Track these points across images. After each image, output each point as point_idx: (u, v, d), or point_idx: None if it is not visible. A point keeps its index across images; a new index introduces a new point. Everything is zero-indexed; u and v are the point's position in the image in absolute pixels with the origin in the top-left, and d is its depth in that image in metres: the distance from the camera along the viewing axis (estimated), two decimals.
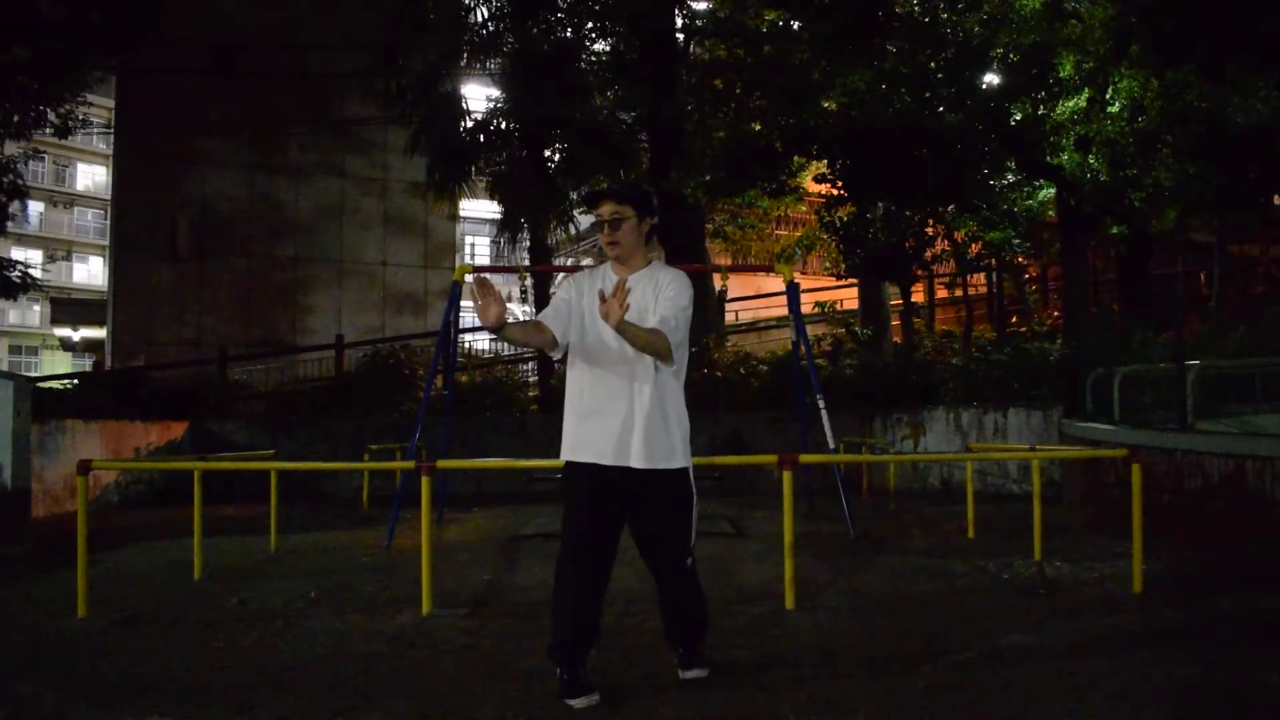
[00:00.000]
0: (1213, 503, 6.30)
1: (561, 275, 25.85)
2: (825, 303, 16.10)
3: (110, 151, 27.02)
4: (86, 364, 28.76)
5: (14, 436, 7.38)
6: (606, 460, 3.33)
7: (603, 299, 3.06)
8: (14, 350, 44.39)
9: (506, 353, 22.51)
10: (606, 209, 3.45)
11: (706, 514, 6.73)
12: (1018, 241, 13.45)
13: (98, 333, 26.18)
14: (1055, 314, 16.11)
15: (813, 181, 14.74)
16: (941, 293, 19.84)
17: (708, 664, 3.60)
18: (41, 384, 13.46)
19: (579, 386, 3.45)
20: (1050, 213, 13.69)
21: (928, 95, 11.84)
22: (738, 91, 13.78)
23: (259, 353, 19.27)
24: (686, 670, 3.56)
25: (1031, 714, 3.21)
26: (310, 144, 21.42)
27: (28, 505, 7.66)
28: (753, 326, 20.09)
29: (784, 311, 12.88)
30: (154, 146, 19.95)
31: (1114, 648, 4.00)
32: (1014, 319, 16.17)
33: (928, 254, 13.92)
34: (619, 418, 3.34)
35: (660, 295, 3.39)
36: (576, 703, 3.29)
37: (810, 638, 4.24)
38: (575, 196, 15.75)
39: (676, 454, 3.38)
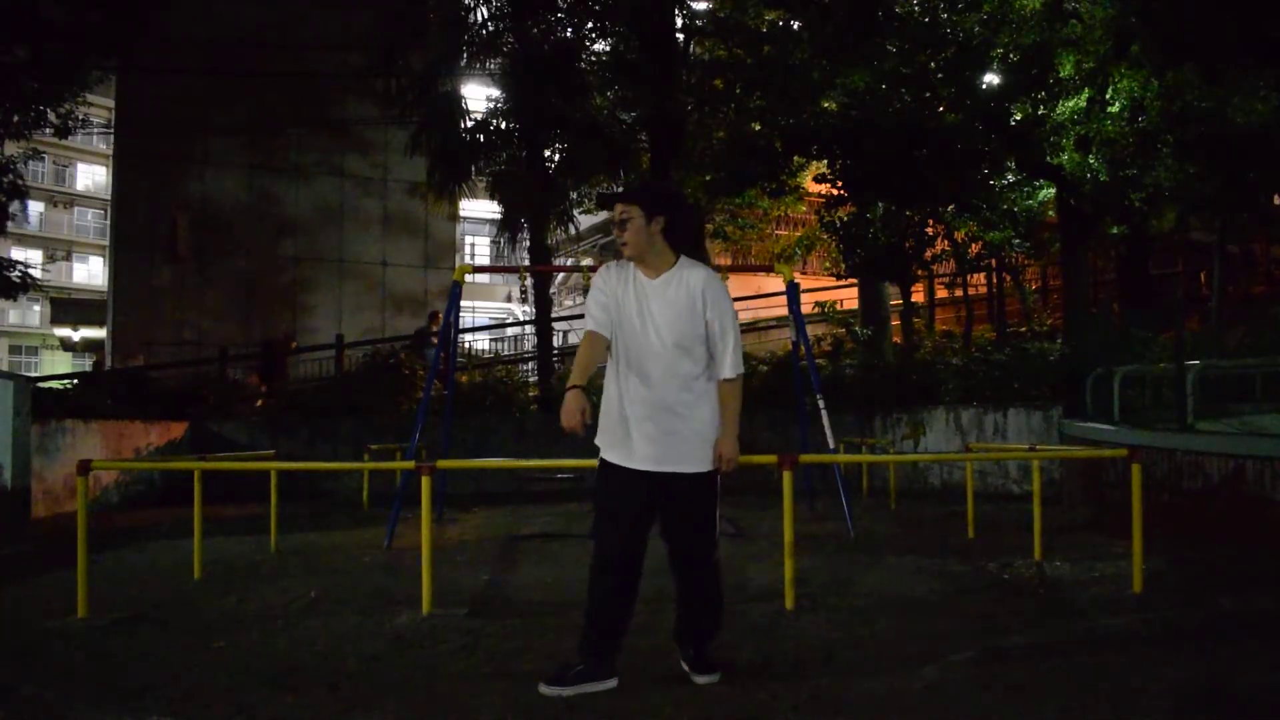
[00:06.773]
0: (1213, 503, 6.30)
1: (561, 276, 25.97)
2: (825, 303, 16.06)
3: (110, 151, 27.02)
4: (86, 364, 28.76)
5: (14, 436, 7.38)
6: (648, 465, 3.44)
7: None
8: (14, 350, 44.36)
9: (506, 353, 22.53)
10: (615, 210, 3.62)
11: None
12: (1018, 241, 13.45)
13: (98, 333, 26.21)
14: (1056, 314, 16.10)
15: (813, 181, 14.73)
16: (941, 293, 19.82)
17: (719, 668, 3.58)
18: (41, 384, 13.45)
19: (620, 389, 3.52)
20: (1050, 213, 13.68)
21: (928, 95, 11.84)
22: (738, 91, 13.77)
23: (259, 353, 19.24)
24: (700, 675, 3.54)
25: (1031, 714, 3.21)
26: (310, 144, 21.41)
27: (28, 505, 7.67)
28: (752, 326, 20.05)
29: (784, 311, 12.87)
30: (154, 146, 19.93)
31: (1114, 648, 4.00)
32: (1014, 319, 16.16)
33: (928, 254, 13.93)
34: (661, 423, 3.45)
35: (717, 312, 3.49)
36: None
37: (810, 638, 4.24)
38: (575, 196, 15.73)
39: (710, 458, 3.50)
